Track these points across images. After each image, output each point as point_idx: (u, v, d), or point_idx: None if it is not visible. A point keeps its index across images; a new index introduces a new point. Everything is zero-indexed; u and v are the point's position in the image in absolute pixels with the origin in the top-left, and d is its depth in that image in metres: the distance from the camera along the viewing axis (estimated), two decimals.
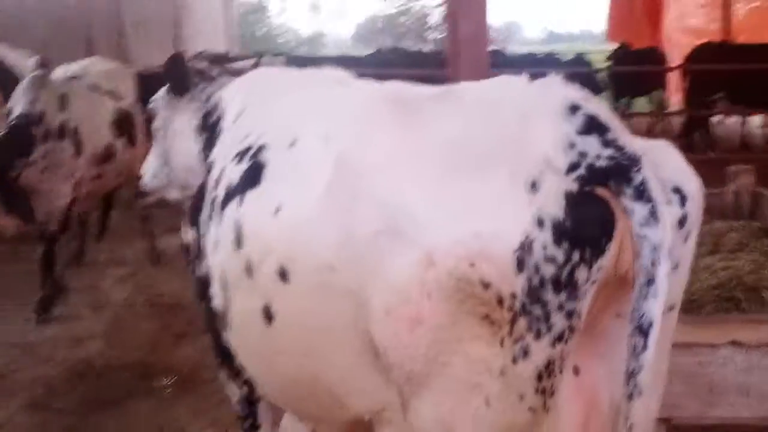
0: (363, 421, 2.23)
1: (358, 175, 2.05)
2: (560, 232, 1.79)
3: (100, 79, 6.76)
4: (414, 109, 2.15)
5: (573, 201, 1.81)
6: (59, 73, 6.58)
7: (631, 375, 1.80)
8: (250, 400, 2.88)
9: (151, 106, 3.53)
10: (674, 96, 14.61)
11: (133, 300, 6.56)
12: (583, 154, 1.84)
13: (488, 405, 1.88)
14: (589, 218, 1.82)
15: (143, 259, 7.54)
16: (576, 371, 1.96)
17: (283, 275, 2.17)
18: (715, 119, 12.69)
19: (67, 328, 5.96)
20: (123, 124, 6.71)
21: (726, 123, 13.08)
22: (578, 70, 12.69)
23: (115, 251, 7.94)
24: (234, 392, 2.89)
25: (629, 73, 13.34)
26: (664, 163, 1.98)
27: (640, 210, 1.80)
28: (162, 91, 3.44)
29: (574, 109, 1.93)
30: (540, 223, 1.80)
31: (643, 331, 1.79)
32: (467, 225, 1.83)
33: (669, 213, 1.83)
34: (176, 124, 3.36)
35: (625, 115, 14.81)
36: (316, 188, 2.13)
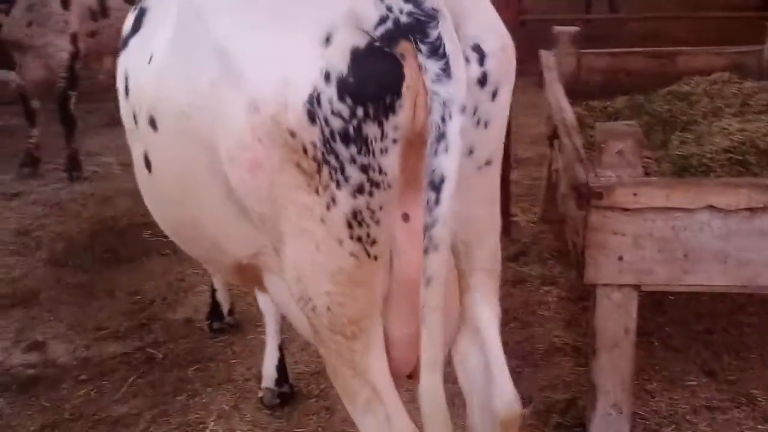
0: (244, 265, 2.26)
1: (198, 19, 2.05)
2: (343, 88, 1.79)
3: None
4: None
5: (357, 56, 1.79)
6: None
7: (425, 229, 1.81)
8: None
9: None
10: None
11: None
12: (389, 9, 1.80)
13: (318, 250, 1.94)
14: (371, 75, 1.79)
15: None
16: (406, 218, 1.99)
17: (153, 124, 2.24)
18: None
19: (98, 187, 6.06)
20: None
21: None
22: None
23: None
24: None
25: None
26: (471, 20, 1.93)
27: (432, 66, 1.77)
28: None
29: None
30: (327, 77, 1.79)
31: (435, 186, 1.79)
32: (279, 72, 1.84)
33: (464, 70, 1.80)
34: None
35: None
36: (169, 35, 2.16)
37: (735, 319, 3.99)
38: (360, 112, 1.80)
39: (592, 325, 3.03)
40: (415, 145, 1.85)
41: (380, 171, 1.87)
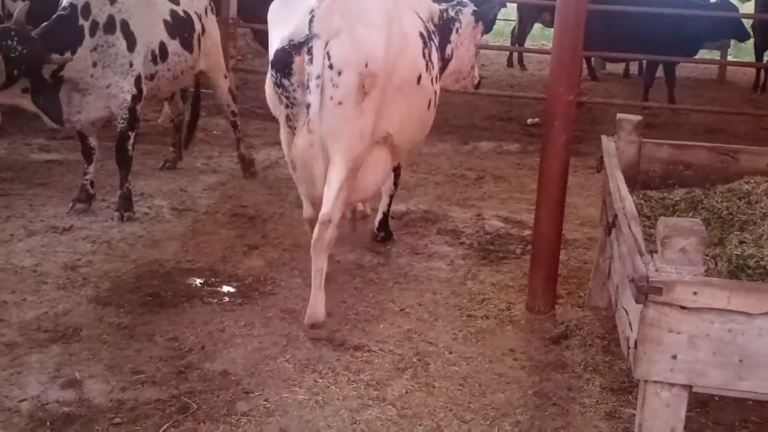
0: None
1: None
2: (273, 63, 4.55)
3: None
4: None
5: (277, 51, 4.57)
6: None
7: (305, 124, 4.42)
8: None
9: None
10: None
11: (217, 208, 6.65)
12: (308, 32, 4.41)
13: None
14: (278, 59, 4.49)
15: (237, 170, 7.64)
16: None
17: None
18: None
19: (147, 228, 6.09)
20: (176, 27, 6.68)
21: None
22: (724, 14, 11.90)
23: (213, 159, 8.08)
24: None
25: None
26: (333, 42, 4.42)
27: (306, 57, 4.35)
28: None
29: None
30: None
31: (306, 107, 4.36)
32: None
33: (321, 60, 4.36)
34: None
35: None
36: None
37: None
38: (279, 74, 4.49)
39: (638, 421, 2.97)
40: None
41: (294, 98, 4.51)
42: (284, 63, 4.41)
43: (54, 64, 5.77)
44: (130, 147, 6.30)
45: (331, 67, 4.35)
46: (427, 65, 5.09)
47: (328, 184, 4.50)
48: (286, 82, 4.43)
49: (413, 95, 4.99)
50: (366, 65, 4.45)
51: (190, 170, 7.66)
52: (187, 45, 6.78)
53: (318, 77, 4.30)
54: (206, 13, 7.23)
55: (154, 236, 5.96)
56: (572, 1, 4.74)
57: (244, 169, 7.57)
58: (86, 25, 5.95)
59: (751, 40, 13.64)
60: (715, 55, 15.86)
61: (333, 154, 4.49)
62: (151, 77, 6.48)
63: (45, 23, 5.86)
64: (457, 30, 5.89)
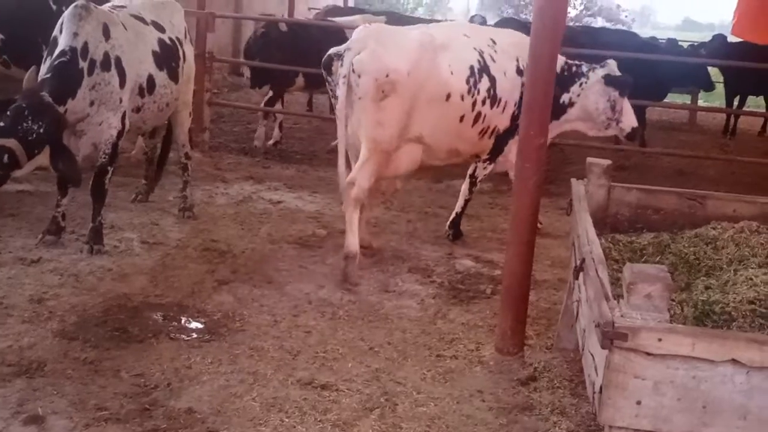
0: None
1: None
2: (322, 65, 6.30)
3: (144, 10, 6.71)
4: None
5: (325, 57, 6.24)
6: (108, 3, 6.58)
7: (336, 109, 6.18)
8: None
9: None
10: None
11: (187, 242, 6.61)
12: (347, 44, 6.18)
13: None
14: (324, 61, 6.25)
15: (209, 204, 7.61)
16: (347, 119, 6.05)
17: None
18: None
19: (116, 262, 6.04)
20: (164, 57, 6.64)
21: None
22: (692, 61, 12.11)
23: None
24: None
25: (746, 70, 12.60)
26: (359, 56, 5.97)
27: (340, 63, 6.02)
28: None
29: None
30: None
31: (335, 98, 6.21)
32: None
33: (348, 66, 5.93)
34: None
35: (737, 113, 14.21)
36: None
37: None
38: (325, 72, 6.24)
39: None
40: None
41: (335, 93, 6.16)
42: (328, 64, 6.17)
43: (72, 125, 5.75)
44: (107, 181, 6.23)
45: (353, 71, 5.90)
46: (469, 90, 6.41)
47: (359, 158, 6.06)
48: (329, 79, 6.23)
49: (442, 109, 6.30)
50: (387, 75, 5.90)
51: (162, 203, 7.62)
52: (173, 75, 6.75)
53: (344, 77, 5.92)
54: (185, 37, 7.16)
55: (123, 270, 5.91)
56: (545, 45, 4.80)
57: (181, 209, 7.34)
58: (85, 66, 5.87)
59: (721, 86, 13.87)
60: (686, 99, 16.10)
61: (361, 137, 6.01)
62: (138, 110, 6.43)
63: (48, 76, 5.73)
64: (581, 84, 6.95)
